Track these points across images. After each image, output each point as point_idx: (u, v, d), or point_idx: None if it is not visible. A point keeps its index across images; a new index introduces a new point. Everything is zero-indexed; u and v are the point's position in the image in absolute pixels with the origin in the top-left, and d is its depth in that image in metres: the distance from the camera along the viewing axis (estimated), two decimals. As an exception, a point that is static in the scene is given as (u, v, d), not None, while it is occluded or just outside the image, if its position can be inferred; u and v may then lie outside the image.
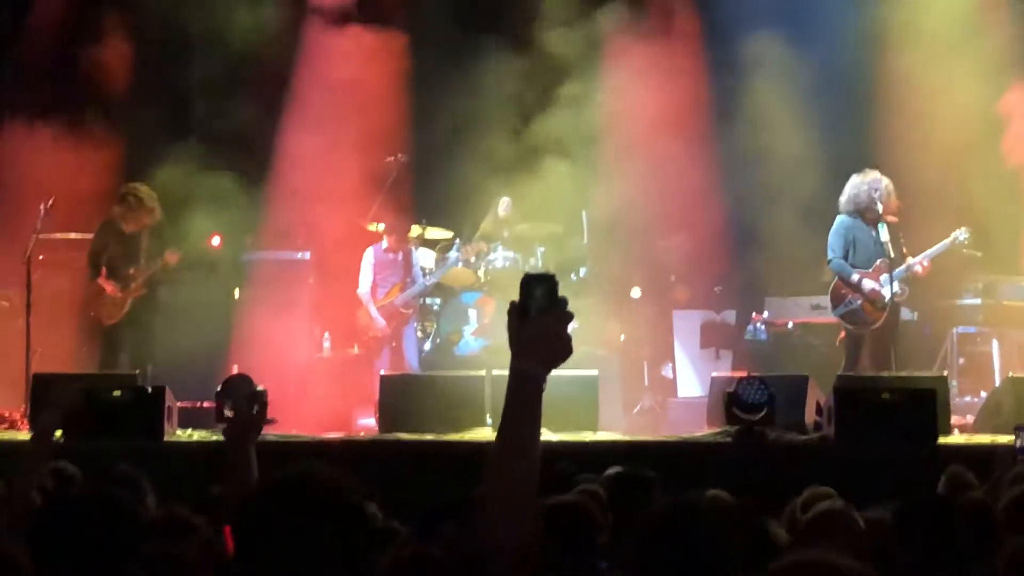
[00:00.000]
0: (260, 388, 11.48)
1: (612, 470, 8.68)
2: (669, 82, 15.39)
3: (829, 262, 13.31)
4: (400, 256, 14.91)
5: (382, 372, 13.16)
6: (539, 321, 3.24)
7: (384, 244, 14.91)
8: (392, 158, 15.64)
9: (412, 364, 14.73)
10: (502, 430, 3.23)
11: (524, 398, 3.23)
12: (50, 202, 13.87)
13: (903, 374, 12.67)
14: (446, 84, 15.97)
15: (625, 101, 15.47)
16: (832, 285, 13.33)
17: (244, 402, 5.41)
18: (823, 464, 10.35)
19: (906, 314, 14.51)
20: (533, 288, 3.28)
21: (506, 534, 3.15)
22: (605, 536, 6.19)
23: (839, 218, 13.32)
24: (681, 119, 15.39)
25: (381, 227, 15.12)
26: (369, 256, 14.88)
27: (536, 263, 15.13)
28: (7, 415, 12.64)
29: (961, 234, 13.39)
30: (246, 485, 5.04)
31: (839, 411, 10.97)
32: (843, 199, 13.33)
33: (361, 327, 14.97)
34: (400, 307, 14.83)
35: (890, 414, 10.90)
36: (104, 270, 13.75)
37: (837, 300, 13.30)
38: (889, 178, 13.31)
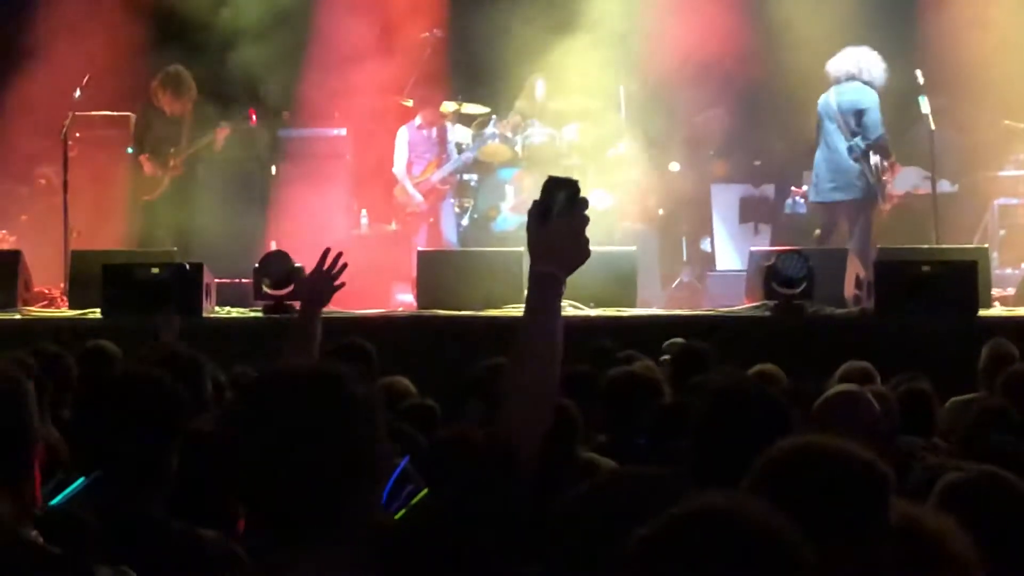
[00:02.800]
0: (297, 265, 11.68)
1: (671, 342, 8.75)
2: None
3: (882, 137, 13.17)
4: (434, 132, 14.86)
5: (419, 248, 13.16)
6: (558, 225, 3.29)
7: (417, 121, 14.85)
8: (428, 33, 15.53)
9: (451, 240, 14.74)
10: (524, 330, 3.28)
11: (545, 300, 3.29)
12: (85, 79, 13.85)
13: (943, 246, 12.60)
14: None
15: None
16: (887, 163, 13.21)
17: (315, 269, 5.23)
18: (863, 338, 10.34)
19: (946, 186, 14.40)
20: (555, 192, 3.32)
21: (526, 427, 3.20)
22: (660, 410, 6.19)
23: (875, 95, 13.17)
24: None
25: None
26: (403, 134, 14.83)
27: (573, 138, 15.04)
28: (47, 292, 12.72)
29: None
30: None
31: (878, 284, 10.95)
32: (878, 77, 13.18)
33: (398, 204, 14.96)
34: (437, 183, 14.80)
35: (930, 287, 10.86)
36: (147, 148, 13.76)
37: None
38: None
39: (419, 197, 14.71)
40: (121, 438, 3.96)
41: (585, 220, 3.29)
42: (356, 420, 2.83)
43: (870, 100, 13.16)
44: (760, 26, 15.31)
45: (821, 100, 13.40)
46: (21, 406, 3.49)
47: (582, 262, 3.30)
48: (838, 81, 13.29)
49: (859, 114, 13.17)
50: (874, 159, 13.13)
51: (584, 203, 3.30)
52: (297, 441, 2.77)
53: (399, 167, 14.79)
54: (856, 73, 13.24)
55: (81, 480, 3.95)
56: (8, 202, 15.19)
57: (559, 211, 3.29)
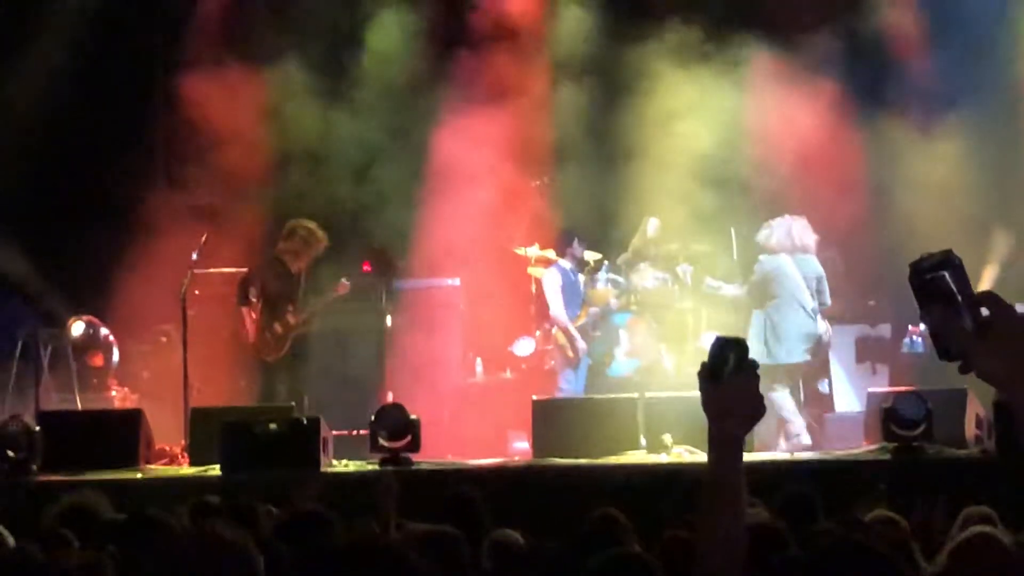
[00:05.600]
0: (413, 417, 11.75)
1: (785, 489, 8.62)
2: (814, 96, 15.31)
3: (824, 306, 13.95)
4: (581, 278, 14.88)
5: (534, 397, 13.13)
6: (730, 384, 3.33)
7: (568, 265, 14.80)
8: (539, 181, 15.67)
9: (579, 389, 14.60)
10: (709, 490, 3.35)
11: (728, 459, 3.35)
12: (204, 237, 14.06)
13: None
14: (590, 103, 15.94)
15: (771, 118, 15.38)
16: None
17: None
18: (985, 479, 10.15)
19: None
20: (725, 352, 3.34)
21: None
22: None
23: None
24: (829, 136, 15.27)
25: (530, 251, 15.12)
26: (556, 277, 14.67)
27: (686, 282, 15.05)
28: (167, 449, 12.80)
29: None
30: None
31: (999, 424, 10.76)
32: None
33: (558, 345, 14.75)
34: (590, 328, 14.77)
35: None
36: (254, 301, 13.86)
37: None
38: None
39: (583, 344, 14.60)
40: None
41: (756, 379, 3.34)
42: None
43: (822, 269, 13.94)
44: (871, 166, 15.39)
45: (770, 263, 13.87)
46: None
47: (758, 419, 3.36)
48: (791, 250, 13.85)
49: (819, 280, 13.90)
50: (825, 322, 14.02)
51: (754, 363, 3.34)
52: None
53: (560, 310, 14.61)
54: (805, 247, 13.91)
55: None
56: (130, 360, 15.44)
57: (730, 371, 3.32)
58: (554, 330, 14.71)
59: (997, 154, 14.85)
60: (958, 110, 15.12)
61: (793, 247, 13.87)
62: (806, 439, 13.23)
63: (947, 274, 2.79)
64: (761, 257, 13.97)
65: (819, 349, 14.11)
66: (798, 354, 13.74)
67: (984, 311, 2.75)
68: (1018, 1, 15.44)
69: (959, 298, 2.76)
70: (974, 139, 14.86)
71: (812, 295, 13.86)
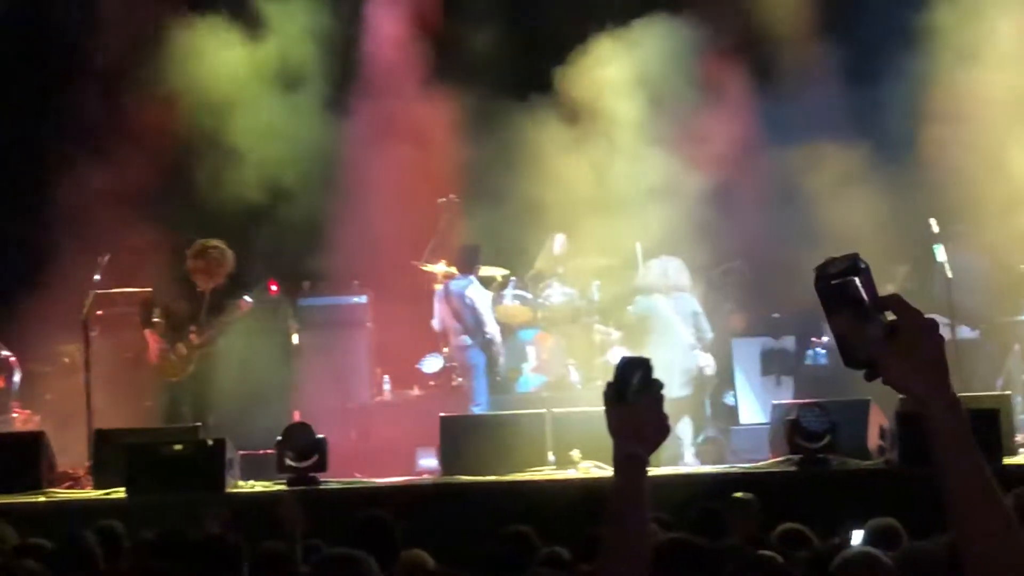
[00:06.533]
0: (320, 436, 11.68)
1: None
2: (722, 115, 15.47)
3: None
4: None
5: (441, 414, 13.11)
6: (636, 404, 3.31)
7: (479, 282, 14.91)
8: (445, 199, 15.66)
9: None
10: (614, 510, 3.35)
11: (632, 480, 3.34)
12: (106, 258, 13.93)
13: (965, 394, 12.55)
14: (495, 122, 15.96)
15: (676, 130, 15.48)
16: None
17: None
18: (888, 489, 10.27)
19: (967, 332, 14.38)
20: (629, 373, 3.32)
21: None
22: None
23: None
24: (736, 150, 15.41)
25: (437, 268, 15.11)
26: (487, 294, 14.85)
27: (593, 297, 15.10)
28: (71, 472, 12.63)
29: None
30: None
31: (902, 434, 10.88)
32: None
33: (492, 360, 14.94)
34: None
35: (954, 435, 10.75)
36: (157, 322, 13.73)
37: None
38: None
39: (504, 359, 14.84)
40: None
41: (661, 399, 3.33)
42: None
43: (699, 305, 14.49)
44: (775, 176, 15.53)
45: (645, 303, 14.44)
46: None
47: (663, 440, 3.36)
48: (665, 290, 14.39)
49: (695, 317, 14.39)
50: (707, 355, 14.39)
51: (659, 383, 3.33)
52: None
53: (495, 325, 14.86)
54: (679, 286, 14.47)
55: None
56: (32, 382, 15.22)
57: (635, 391, 3.30)
58: (493, 345, 14.74)
59: (902, 178, 15.01)
60: (867, 136, 15.29)
61: (667, 287, 14.32)
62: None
63: (855, 279, 2.68)
64: (636, 298, 14.41)
65: (701, 382, 14.40)
66: (675, 389, 13.88)
67: (889, 315, 2.67)
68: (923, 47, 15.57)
69: (867, 303, 2.67)
70: (882, 162, 15.04)
71: (690, 331, 14.17)
